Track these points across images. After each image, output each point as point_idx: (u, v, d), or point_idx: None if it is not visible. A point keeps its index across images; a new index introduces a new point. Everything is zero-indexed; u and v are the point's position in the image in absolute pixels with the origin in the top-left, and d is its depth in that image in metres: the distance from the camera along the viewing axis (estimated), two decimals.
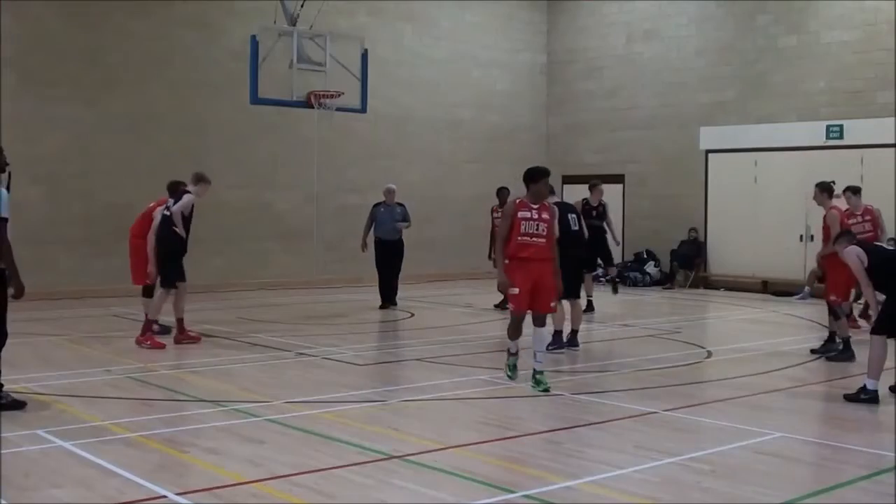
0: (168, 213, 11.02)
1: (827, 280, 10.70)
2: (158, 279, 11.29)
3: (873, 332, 8.27)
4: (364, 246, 15.38)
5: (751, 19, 19.00)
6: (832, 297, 10.49)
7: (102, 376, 9.15)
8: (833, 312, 10.55)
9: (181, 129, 17.28)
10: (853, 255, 8.40)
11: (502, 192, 15.23)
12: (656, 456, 6.34)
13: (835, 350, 10.53)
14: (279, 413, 7.58)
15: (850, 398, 8.16)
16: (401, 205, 15.58)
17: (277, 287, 18.02)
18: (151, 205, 11.84)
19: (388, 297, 15.47)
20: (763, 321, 14.44)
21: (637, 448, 6.56)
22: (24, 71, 15.62)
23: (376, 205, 15.58)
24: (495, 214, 15.18)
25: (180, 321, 11.13)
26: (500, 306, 14.26)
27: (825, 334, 11.33)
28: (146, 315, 11.16)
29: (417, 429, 7.11)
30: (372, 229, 15.49)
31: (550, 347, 10.65)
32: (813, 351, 10.85)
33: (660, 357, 10.57)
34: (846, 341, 10.38)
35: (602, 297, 14.09)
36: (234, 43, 17.12)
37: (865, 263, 8.30)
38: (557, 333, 10.86)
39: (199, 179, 11.26)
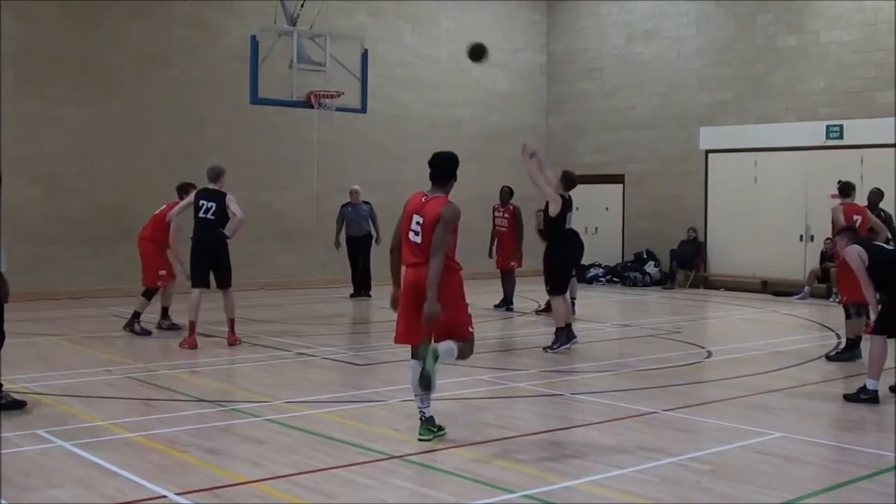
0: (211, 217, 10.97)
1: (840, 280, 10.64)
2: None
3: (873, 332, 8.26)
4: (338, 244, 16.66)
5: (751, 19, 18.99)
6: (845, 297, 10.30)
7: (102, 376, 9.15)
8: (846, 312, 10.41)
9: (181, 129, 17.26)
10: (854, 254, 8.37)
11: (504, 192, 15.57)
12: (656, 456, 6.33)
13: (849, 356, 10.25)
14: (279, 413, 7.58)
15: (850, 398, 8.16)
16: (367, 203, 16.80)
17: (277, 287, 18.02)
18: (163, 207, 11.94)
19: (361, 288, 16.71)
20: (763, 321, 14.43)
21: (637, 448, 6.55)
22: (24, 71, 15.61)
23: (344, 205, 16.87)
24: (496, 214, 15.51)
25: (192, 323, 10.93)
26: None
27: (825, 334, 11.28)
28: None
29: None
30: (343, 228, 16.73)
31: (557, 345, 10.70)
32: (829, 358, 10.48)
33: (660, 357, 10.57)
34: (853, 341, 10.30)
35: (597, 298, 14.04)
36: (234, 43, 17.11)
37: (866, 262, 8.29)
38: (560, 330, 10.85)
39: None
